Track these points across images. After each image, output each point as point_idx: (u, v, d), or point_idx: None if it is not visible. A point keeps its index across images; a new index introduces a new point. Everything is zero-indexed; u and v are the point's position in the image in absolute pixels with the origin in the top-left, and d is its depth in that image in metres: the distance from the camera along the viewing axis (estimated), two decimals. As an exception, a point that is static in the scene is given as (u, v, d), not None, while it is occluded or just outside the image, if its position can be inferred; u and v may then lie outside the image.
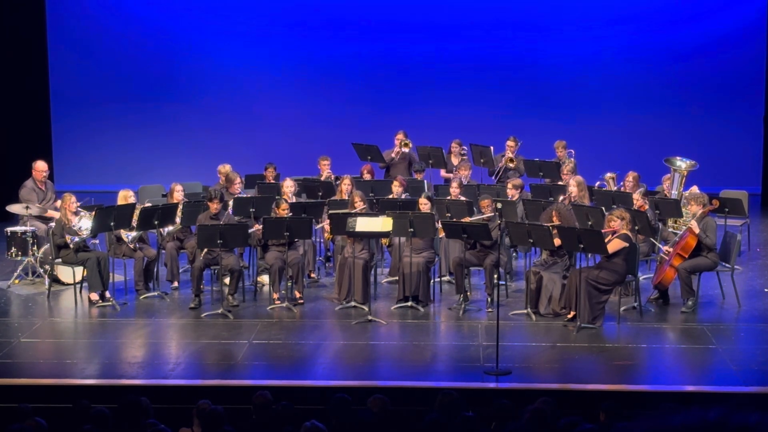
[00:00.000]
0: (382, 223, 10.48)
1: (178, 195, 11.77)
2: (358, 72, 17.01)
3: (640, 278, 10.84)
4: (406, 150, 14.13)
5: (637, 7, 16.74)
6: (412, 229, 10.47)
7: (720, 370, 9.03)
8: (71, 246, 10.89)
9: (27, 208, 11.95)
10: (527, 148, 14.13)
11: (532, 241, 10.32)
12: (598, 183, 12.96)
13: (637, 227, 10.53)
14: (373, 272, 11.08)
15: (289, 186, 12.08)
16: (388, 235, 10.81)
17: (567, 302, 10.15)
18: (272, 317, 10.47)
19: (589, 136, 16.28)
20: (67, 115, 16.90)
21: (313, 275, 11.78)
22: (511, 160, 13.85)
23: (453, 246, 11.49)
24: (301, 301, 10.87)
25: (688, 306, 10.43)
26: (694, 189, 12.27)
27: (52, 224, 11.34)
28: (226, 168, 13.00)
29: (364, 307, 10.48)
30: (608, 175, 12.89)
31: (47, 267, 11.32)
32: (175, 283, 11.53)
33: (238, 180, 12.62)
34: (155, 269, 11.36)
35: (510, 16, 16.82)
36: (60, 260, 11.08)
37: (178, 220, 11.40)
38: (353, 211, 11.03)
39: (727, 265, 10.74)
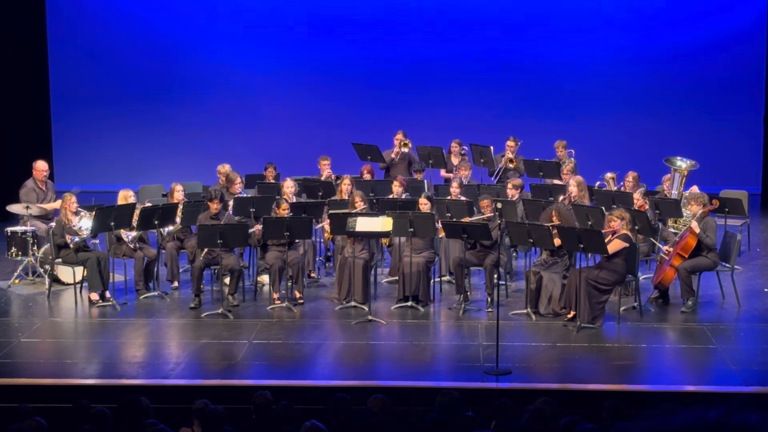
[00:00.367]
0: (382, 223, 10.48)
1: (179, 195, 11.77)
2: (358, 72, 17.00)
3: (640, 278, 10.84)
4: (406, 150, 14.12)
5: (638, 7, 16.73)
6: (412, 229, 10.47)
7: (720, 370, 9.03)
8: (71, 246, 10.89)
9: (27, 208, 11.96)
10: (527, 148, 14.12)
11: (532, 241, 10.32)
12: (598, 183, 12.95)
13: (637, 227, 10.52)
14: (373, 272, 11.08)
15: (289, 186, 12.08)
16: (388, 235, 10.82)
17: (567, 302, 10.15)
18: (272, 317, 10.47)
19: (589, 136, 16.26)
20: (67, 114, 16.90)
21: (313, 275, 11.78)
22: (511, 160, 13.84)
23: (453, 246, 11.49)
24: (301, 301, 10.87)
25: (688, 306, 10.43)
26: (694, 189, 12.27)
27: (53, 224, 11.34)
28: (226, 168, 13.00)
29: (364, 307, 10.47)
30: (608, 175, 12.89)
31: (47, 267, 11.32)
32: (175, 283, 11.54)
33: (239, 180, 12.62)
34: (155, 269, 11.36)
35: (510, 16, 16.82)
36: (60, 260, 11.08)
37: (178, 220, 11.40)
38: (353, 211, 11.03)
39: (727, 265, 10.74)
